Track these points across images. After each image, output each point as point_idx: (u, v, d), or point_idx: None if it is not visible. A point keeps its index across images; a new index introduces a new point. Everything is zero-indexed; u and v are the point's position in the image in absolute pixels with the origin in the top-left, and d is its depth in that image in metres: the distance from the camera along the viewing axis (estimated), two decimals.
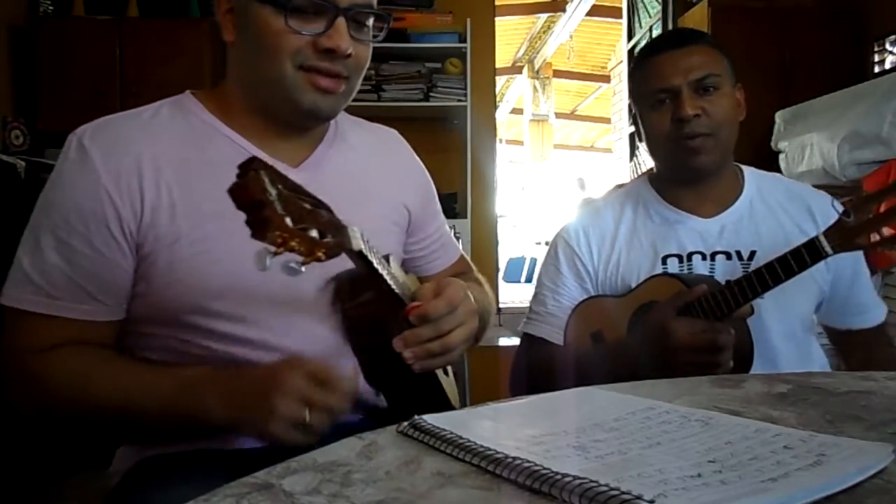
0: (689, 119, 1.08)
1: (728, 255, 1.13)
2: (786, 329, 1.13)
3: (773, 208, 1.16)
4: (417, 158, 1.10)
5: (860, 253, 1.12)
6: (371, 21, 0.87)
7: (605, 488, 0.42)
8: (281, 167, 0.85)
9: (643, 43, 4.27)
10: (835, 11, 3.76)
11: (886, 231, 0.92)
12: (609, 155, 7.55)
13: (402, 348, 0.74)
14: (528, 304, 1.28)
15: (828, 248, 0.92)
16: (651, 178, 1.24)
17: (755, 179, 1.20)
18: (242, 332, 0.84)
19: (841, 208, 0.96)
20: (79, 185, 0.81)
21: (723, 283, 1.01)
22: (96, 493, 0.94)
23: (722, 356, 0.95)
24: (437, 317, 0.75)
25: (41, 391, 0.82)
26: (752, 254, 1.12)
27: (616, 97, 6.47)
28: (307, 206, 0.58)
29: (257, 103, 0.88)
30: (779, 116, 3.37)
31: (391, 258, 0.81)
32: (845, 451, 0.49)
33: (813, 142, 2.94)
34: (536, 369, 1.23)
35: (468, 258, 1.19)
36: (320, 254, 0.55)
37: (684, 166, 1.13)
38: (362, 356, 0.83)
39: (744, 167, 1.22)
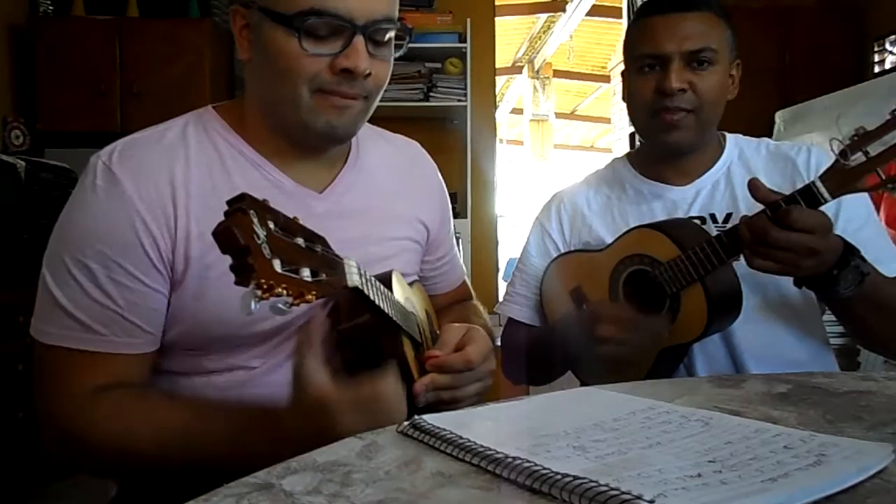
0: (673, 93, 1.02)
1: (703, 220, 1.09)
2: (763, 352, 1.04)
3: (753, 170, 1.11)
4: (440, 176, 1.07)
5: (869, 206, 1.07)
6: (390, 35, 0.83)
7: (605, 488, 0.42)
8: (306, 194, 0.86)
9: None
10: (835, 11, 3.76)
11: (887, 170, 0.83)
12: (609, 155, 7.54)
13: (418, 391, 0.77)
14: None
15: (825, 194, 0.84)
16: (629, 156, 1.23)
17: (738, 144, 1.16)
18: (259, 365, 0.83)
19: (838, 149, 0.86)
20: (112, 214, 0.76)
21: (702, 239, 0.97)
22: (96, 493, 0.94)
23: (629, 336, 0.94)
24: (451, 370, 0.78)
25: (84, 444, 0.76)
26: (728, 216, 1.08)
27: (616, 97, 6.46)
28: (301, 243, 0.56)
29: (275, 123, 0.85)
30: (779, 116, 3.37)
31: (393, 275, 0.79)
32: (845, 451, 0.49)
33: (813, 142, 2.95)
34: (507, 348, 1.23)
35: (469, 283, 1.17)
36: (310, 296, 0.53)
37: (659, 139, 1.08)
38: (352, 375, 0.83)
39: (729, 134, 1.17)
